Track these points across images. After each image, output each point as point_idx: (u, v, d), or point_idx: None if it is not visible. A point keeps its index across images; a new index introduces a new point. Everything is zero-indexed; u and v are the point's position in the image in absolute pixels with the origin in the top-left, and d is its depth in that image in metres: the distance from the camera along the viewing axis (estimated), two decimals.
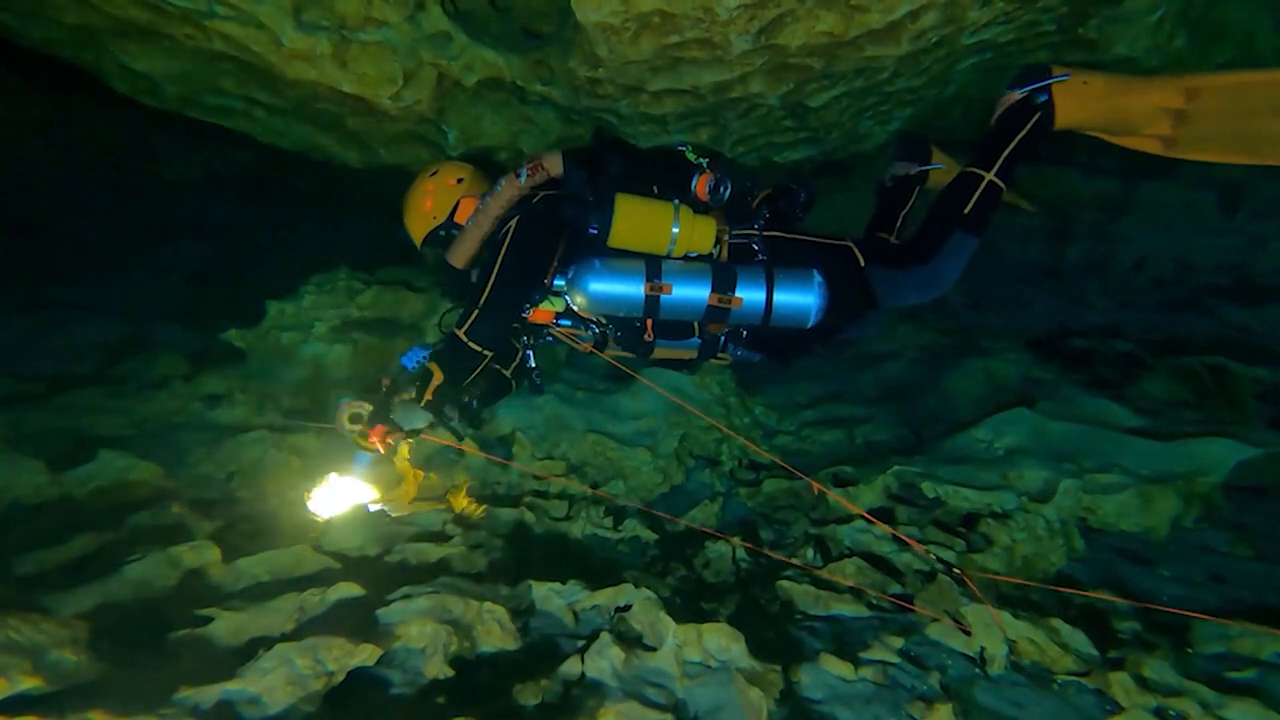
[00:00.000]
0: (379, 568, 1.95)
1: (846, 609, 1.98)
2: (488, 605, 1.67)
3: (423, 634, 1.47)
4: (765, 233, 2.18)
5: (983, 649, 1.76)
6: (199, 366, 3.25)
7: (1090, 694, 1.63)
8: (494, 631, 1.62)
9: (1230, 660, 1.75)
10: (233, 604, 1.49)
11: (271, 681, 1.17)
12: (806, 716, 1.50)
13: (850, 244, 2.20)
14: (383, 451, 2.19)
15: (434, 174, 2.31)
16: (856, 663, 1.67)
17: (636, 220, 2.01)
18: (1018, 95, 2.01)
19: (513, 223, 2.09)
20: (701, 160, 2.15)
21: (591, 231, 2.01)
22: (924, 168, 2.39)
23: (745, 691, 1.47)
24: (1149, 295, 4.63)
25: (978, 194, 1.99)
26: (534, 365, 2.34)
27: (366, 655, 1.32)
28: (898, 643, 1.77)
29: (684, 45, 2.22)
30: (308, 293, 3.53)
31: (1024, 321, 4.80)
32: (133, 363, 3.34)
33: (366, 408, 2.17)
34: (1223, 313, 4.27)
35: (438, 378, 2.13)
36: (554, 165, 2.09)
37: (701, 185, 2.09)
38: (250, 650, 1.27)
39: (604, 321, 2.19)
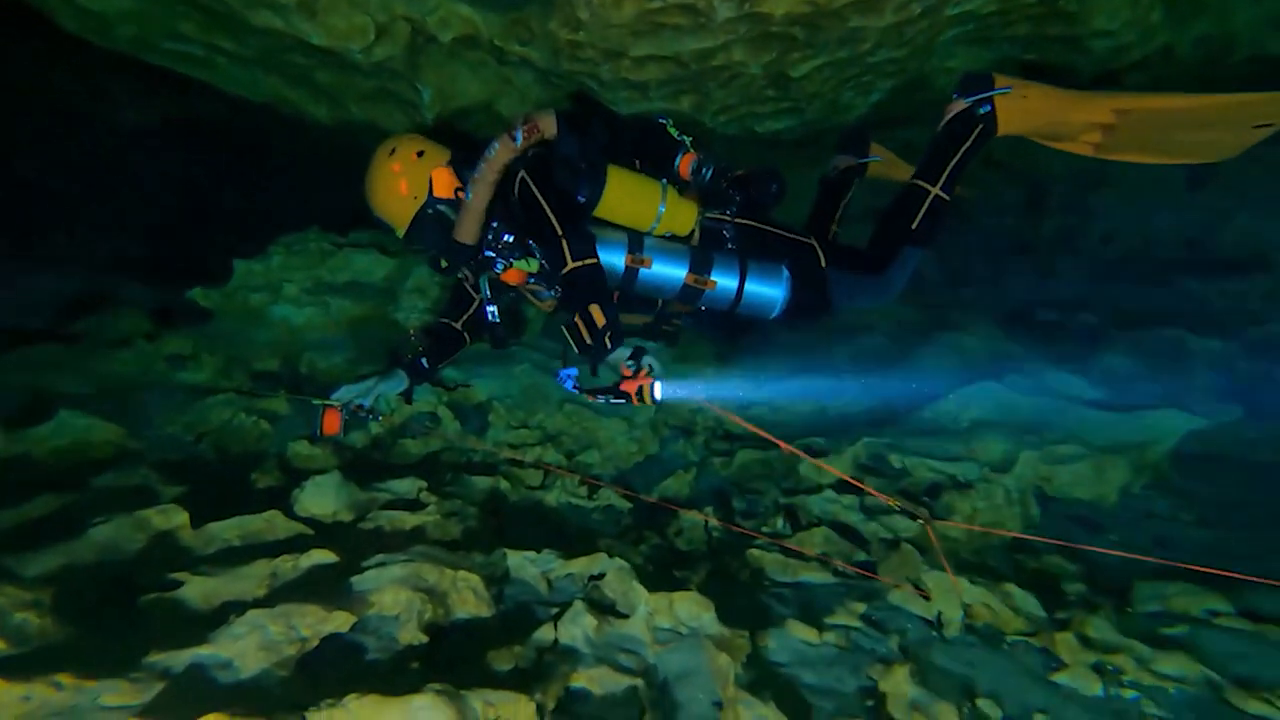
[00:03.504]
0: (353, 534, 1.96)
1: (814, 576, 2.05)
2: (462, 573, 1.68)
3: (397, 601, 1.49)
4: (737, 219, 2.20)
5: (940, 613, 1.83)
6: (163, 325, 3.16)
7: (1037, 652, 1.72)
8: (469, 599, 1.65)
9: (1165, 618, 1.86)
10: (203, 569, 1.48)
11: (244, 646, 1.17)
12: (772, 679, 1.56)
13: (814, 242, 2.28)
14: (644, 400, 1.85)
15: (393, 153, 2.13)
16: (821, 628, 1.74)
17: (627, 193, 2.02)
18: (963, 104, 2.09)
19: (521, 175, 2.03)
20: (685, 138, 2.15)
21: (579, 199, 1.98)
22: (862, 160, 2.47)
23: (714, 657, 1.52)
24: (1116, 268, 4.74)
25: (924, 208, 2.12)
26: (497, 320, 2.27)
27: (340, 622, 1.33)
28: (861, 608, 1.84)
29: (666, 10, 2.16)
30: (277, 253, 3.43)
31: (997, 295, 4.89)
32: (92, 319, 3.23)
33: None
34: (1183, 285, 4.40)
35: (599, 317, 1.87)
36: (548, 126, 2.04)
37: (685, 164, 2.10)
38: (222, 615, 1.27)
39: None
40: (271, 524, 1.80)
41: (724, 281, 2.10)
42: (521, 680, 1.36)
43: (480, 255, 2.13)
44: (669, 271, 2.07)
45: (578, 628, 1.56)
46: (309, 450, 2.57)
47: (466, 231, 2.07)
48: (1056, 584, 2.06)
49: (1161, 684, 1.58)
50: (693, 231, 2.17)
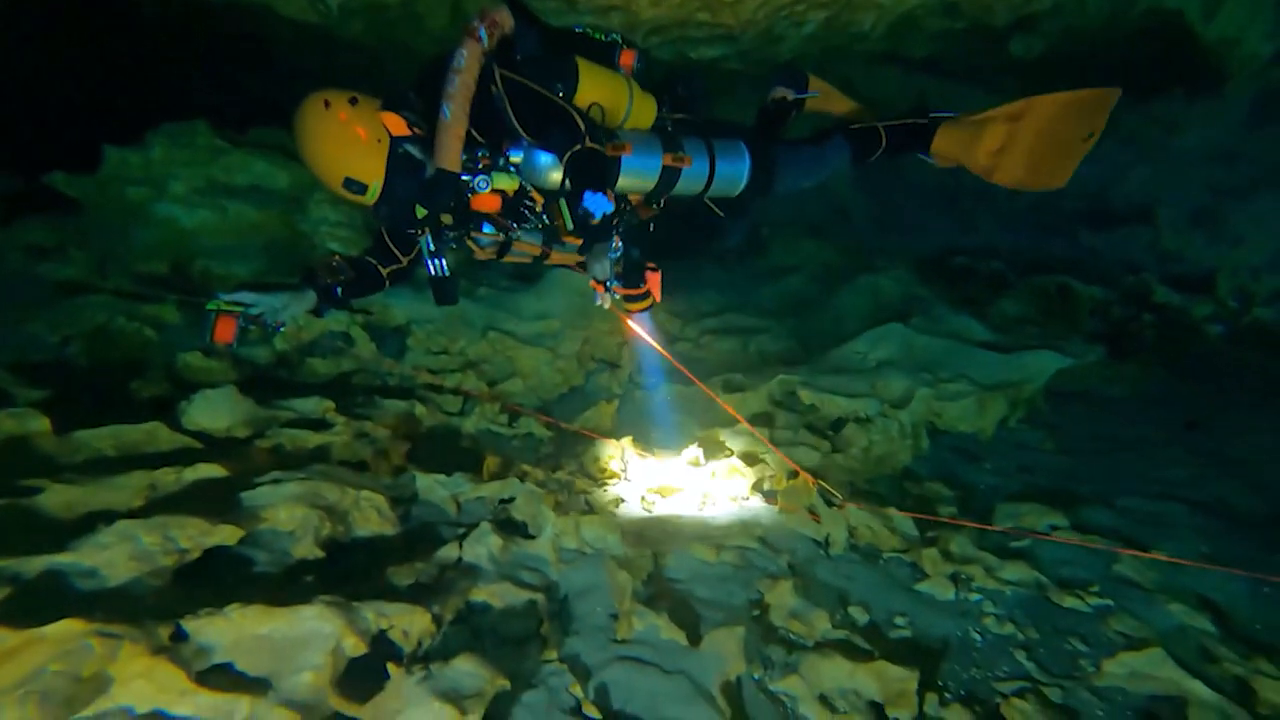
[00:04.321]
0: (248, 451, 1.87)
1: (721, 502, 2.14)
2: (366, 493, 1.65)
3: (292, 517, 1.45)
4: (675, 115, 2.20)
5: (828, 535, 1.98)
6: (15, 210, 2.78)
7: (907, 566, 1.92)
8: (371, 518, 1.62)
9: (1015, 533, 2.10)
10: (67, 477, 1.37)
11: (112, 556, 1.11)
12: (667, 594, 1.64)
13: (748, 128, 2.33)
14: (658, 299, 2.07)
15: (328, 105, 1.81)
16: (720, 548, 1.83)
17: (600, 85, 1.97)
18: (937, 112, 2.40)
19: (498, 73, 1.85)
20: (614, 35, 2.12)
21: (556, 92, 1.90)
22: (801, 95, 2.50)
23: (615, 574, 1.58)
24: (1025, 218, 5.00)
25: (864, 125, 2.39)
26: (446, 274, 2.03)
27: (226, 535, 1.28)
28: (759, 530, 1.96)
29: None
30: (159, 144, 3.07)
31: (919, 241, 5.08)
32: None
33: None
34: (1079, 236, 4.72)
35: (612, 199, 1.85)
36: (506, 20, 1.90)
37: (628, 59, 2.09)
38: (88, 525, 1.19)
39: (539, 207, 2.05)
40: (153, 435, 1.68)
41: (697, 158, 2.08)
42: (420, 594, 1.36)
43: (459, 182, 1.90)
44: (647, 156, 2.01)
45: (483, 547, 1.57)
46: (203, 363, 2.41)
47: (450, 156, 1.81)
48: (933, 509, 2.26)
49: (1002, 588, 1.83)
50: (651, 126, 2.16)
